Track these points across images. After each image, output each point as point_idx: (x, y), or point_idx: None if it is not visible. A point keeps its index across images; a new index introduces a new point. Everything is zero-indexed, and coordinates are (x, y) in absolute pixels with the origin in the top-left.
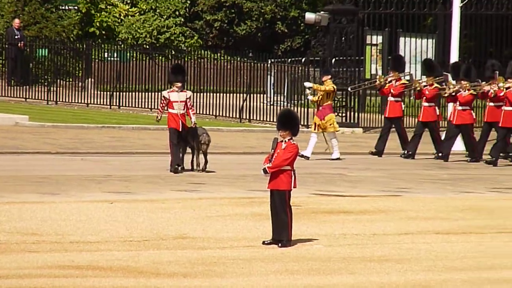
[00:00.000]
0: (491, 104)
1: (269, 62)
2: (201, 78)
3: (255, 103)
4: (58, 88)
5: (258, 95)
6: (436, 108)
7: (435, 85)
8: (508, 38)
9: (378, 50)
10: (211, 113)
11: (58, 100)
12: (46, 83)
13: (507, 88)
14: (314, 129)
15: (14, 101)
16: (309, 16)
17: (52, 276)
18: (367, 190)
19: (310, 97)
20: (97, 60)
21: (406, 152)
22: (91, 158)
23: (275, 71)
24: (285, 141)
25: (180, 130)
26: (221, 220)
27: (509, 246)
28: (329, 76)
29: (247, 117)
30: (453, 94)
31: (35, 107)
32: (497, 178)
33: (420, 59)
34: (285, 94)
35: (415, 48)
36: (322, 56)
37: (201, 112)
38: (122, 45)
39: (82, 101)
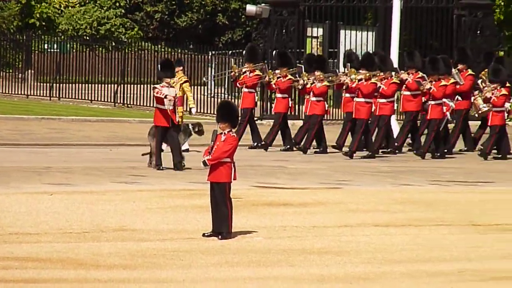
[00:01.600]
0: (347, 95)
1: (210, 54)
2: (142, 70)
3: (195, 95)
4: None
5: (199, 87)
6: (290, 99)
7: (289, 76)
8: (448, 31)
9: (318, 43)
10: (151, 105)
11: None
12: None
13: (359, 80)
14: None
15: None
16: (250, 8)
17: None
18: (307, 182)
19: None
20: (37, 52)
21: (257, 144)
22: (31, 149)
23: (216, 63)
24: (224, 133)
25: (170, 126)
26: (161, 212)
27: (446, 239)
28: (181, 68)
29: (187, 109)
30: (307, 85)
31: None
32: (437, 171)
33: (361, 52)
34: (226, 86)
35: (356, 41)
36: (263, 49)
37: (141, 104)
38: (62, 37)
39: (22, 93)
